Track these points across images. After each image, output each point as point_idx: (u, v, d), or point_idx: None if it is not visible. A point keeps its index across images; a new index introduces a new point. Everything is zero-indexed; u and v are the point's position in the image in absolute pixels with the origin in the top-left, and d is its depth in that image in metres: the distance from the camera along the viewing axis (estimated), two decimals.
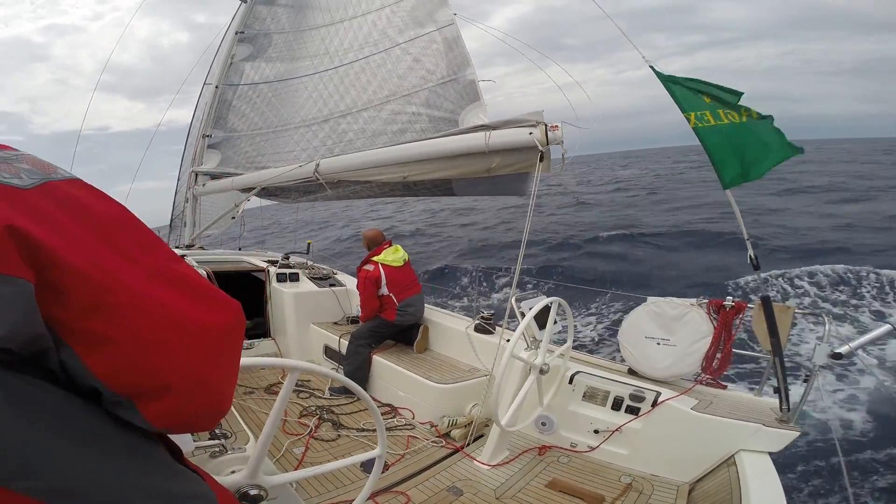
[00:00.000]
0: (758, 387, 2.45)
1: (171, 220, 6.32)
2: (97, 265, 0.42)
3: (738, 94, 2.11)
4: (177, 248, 5.39)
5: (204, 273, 3.55)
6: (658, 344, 2.42)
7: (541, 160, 2.25)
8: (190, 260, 3.78)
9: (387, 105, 3.38)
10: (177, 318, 0.45)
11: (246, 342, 3.79)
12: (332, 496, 2.11)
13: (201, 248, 5.10)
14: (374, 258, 3.21)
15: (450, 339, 3.31)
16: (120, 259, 0.44)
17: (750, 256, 2.10)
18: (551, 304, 2.31)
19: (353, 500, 1.29)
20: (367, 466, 2.27)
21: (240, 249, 5.67)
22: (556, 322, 2.47)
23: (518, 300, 2.49)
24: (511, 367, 2.53)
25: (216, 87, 5.23)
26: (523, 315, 2.39)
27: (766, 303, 2.06)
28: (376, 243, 3.29)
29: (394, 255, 3.25)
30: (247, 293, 4.11)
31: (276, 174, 3.72)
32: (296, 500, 1.37)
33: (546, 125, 2.28)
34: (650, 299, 2.53)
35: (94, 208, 0.46)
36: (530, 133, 2.29)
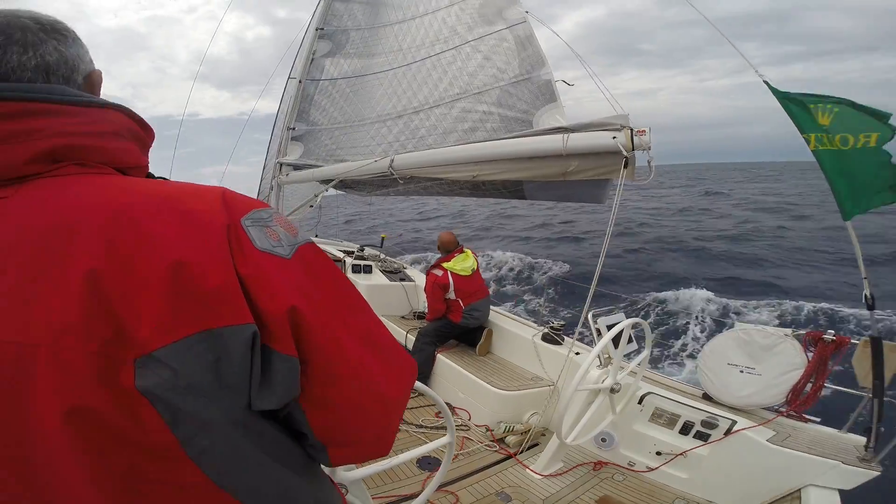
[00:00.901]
0: (844, 424, 2.27)
1: None
2: (331, 337, 0.47)
3: (886, 116, 1.82)
4: None
5: None
6: (741, 372, 2.31)
7: (625, 166, 2.18)
8: None
9: (458, 103, 3.49)
10: (378, 389, 0.52)
11: None
12: (387, 489, 2.16)
13: None
14: (444, 264, 3.33)
15: (514, 344, 3.32)
16: (341, 325, 0.49)
17: (865, 295, 1.97)
18: (631, 325, 2.24)
19: (421, 492, 1.37)
20: (422, 464, 2.36)
21: (316, 236, 6.18)
22: (632, 340, 2.40)
23: (595, 316, 2.44)
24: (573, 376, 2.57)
25: (299, 81, 5.65)
26: (599, 332, 2.36)
27: (877, 343, 1.91)
28: (448, 249, 3.41)
29: (463, 264, 3.34)
30: None
31: (354, 167, 4.00)
32: (365, 495, 1.44)
33: (632, 129, 2.21)
34: (738, 325, 2.42)
35: (324, 275, 0.51)
36: (614, 137, 2.21)
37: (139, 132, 0.55)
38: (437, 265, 3.37)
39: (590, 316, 2.41)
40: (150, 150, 0.57)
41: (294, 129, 5.38)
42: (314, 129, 5.26)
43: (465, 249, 3.44)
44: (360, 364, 0.49)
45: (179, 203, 0.43)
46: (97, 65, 0.57)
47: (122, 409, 0.38)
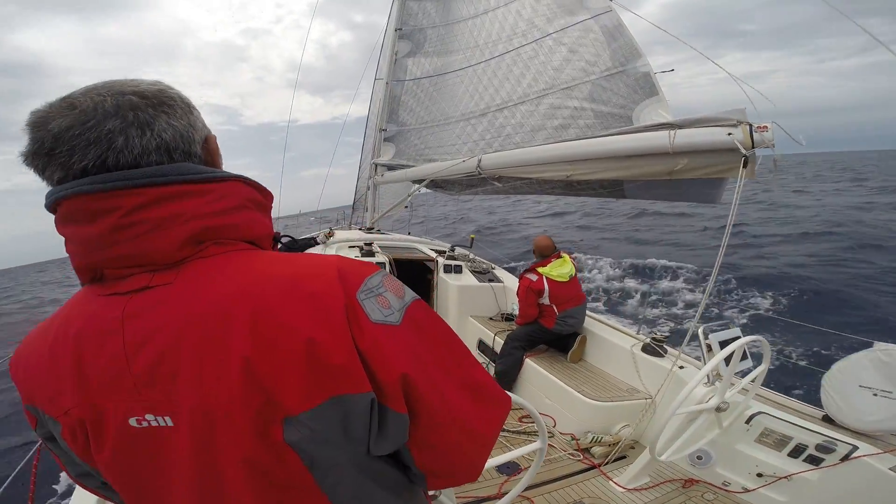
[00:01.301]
0: None
1: (354, 202, 7.63)
2: (436, 392, 0.53)
3: None
4: (360, 228, 6.56)
5: (386, 260, 4.16)
6: (875, 395, 2.07)
7: (744, 165, 2.02)
8: (375, 246, 4.54)
9: (544, 98, 3.49)
10: (473, 429, 0.58)
11: None
12: (466, 490, 2.17)
13: (379, 231, 6.10)
14: (540, 269, 3.26)
15: (609, 353, 3.20)
16: (444, 377, 0.55)
17: None
18: (748, 343, 2.08)
19: (509, 491, 1.41)
20: (501, 468, 2.37)
21: (409, 234, 6.59)
22: (746, 357, 2.22)
23: (706, 331, 2.28)
24: (677, 392, 2.36)
25: (386, 83, 5.97)
26: (710, 348, 2.21)
27: None
28: (544, 254, 3.33)
29: (560, 270, 3.25)
30: (416, 277, 4.76)
31: (443, 168, 4.21)
32: (452, 499, 1.42)
33: (751, 125, 2.03)
34: (878, 345, 2.15)
35: (431, 332, 0.56)
36: (729, 134, 2.06)
37: (259, 199, 0.59)
38: (532, 269, 3.33)
39: (700, 331, 2.26)
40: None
41: (385, 129, 5.75)
42: (403, 130, 5.58)
43: (563, 255, 3.37)
44: (459, 410, 0.55)
45: (305, 286, 0.49)
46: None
47: (274, 456, 0.49)
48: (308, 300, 0.48)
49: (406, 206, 5.70)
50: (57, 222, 0.51)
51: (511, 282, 4.47)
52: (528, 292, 3.25)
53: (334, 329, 0.47)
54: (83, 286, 0.56)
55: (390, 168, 5.54)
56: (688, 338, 2.31)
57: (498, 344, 3.54)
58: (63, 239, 0.52)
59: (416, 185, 4.98)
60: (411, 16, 6.14)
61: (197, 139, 0.56)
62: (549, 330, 3.29)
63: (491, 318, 4.15)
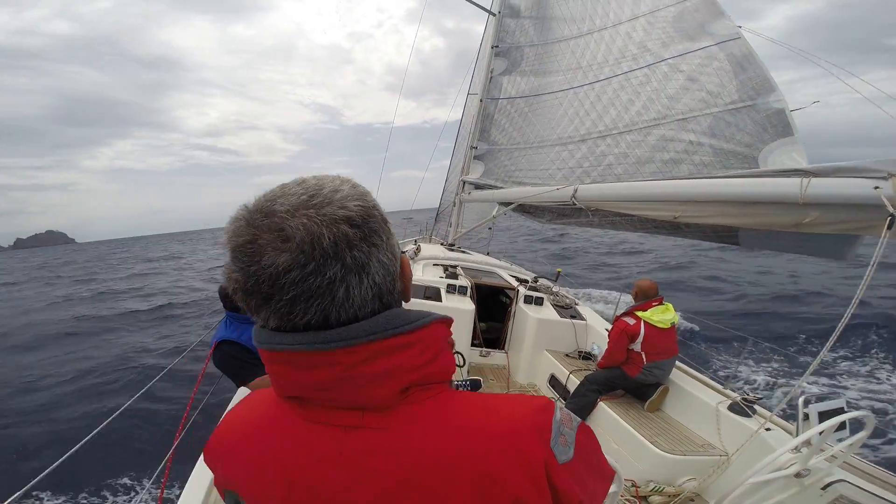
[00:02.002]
0: None
1: (437, 214, 7.81)
2: (597, 502, 0.57)
3: None
4: (441, 243, 6.67)
5: (469, 284, 4.18)
6: None
7: (889, 226, 1.76)
8: (459, 269, 4.55)
9: (655, 129, 3.26)
10: None
11: (484, 350, 4.36)
12: None
13: (461, 249, 6.15)
14: (639, 312, 3.11)
15: (690, 406, 3.06)
16: (599, 483, 0.59)
17: None
18: (853, 420, 1.92)
19: None
20: None
21: (488, 254, 6.57)
22: (844, 427, 2.03)
23: (807, 400, 2.13)
24: (756, 453, 2.30)
25: (480, 100, 6.01)
26: (807, 418, 2.06)
27: None
28: (646, 297, 3.18)
29: (661, 316, 3.08)
30: (495, 302, 4.71)
31: (534, 193, 4.10)
32: None
33: None
34: None
35: (589, 455, 0.57)
36: (876, 188, 1.80)
37: (450, 335, 0.58)
38: (630, 313, 3.17)
39: (801, 399, 2.11)
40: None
41: (476, 147, 5.79)
42: (494, 149, 5.57)
43: (665, 302, 3.18)
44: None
45: (514, 443, 0.50)
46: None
47: None
48: (518, 459, 0.49)
49: (490, 229, 5.67)
50: (266, 357, 0.52)
51: (594, 320, 4.30)
52: (622, 335, 3.10)
53: (539, 489, 0.49)
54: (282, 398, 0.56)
55: (478, 187, 5.56)
56: (784, 400, 2.21)
57: (572, 382, 3.44)
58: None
59: (503, 208, 4.93)
60: (508, 33, 6.11)
61: (395, 270, 0.55)
62: (631, 378, 3.15)
63: (567, 355, 4.04)
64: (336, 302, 0.48)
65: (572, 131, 4.25)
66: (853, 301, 1.81)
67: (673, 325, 3.13)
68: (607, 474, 0.63)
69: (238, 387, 2.38)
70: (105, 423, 2.01)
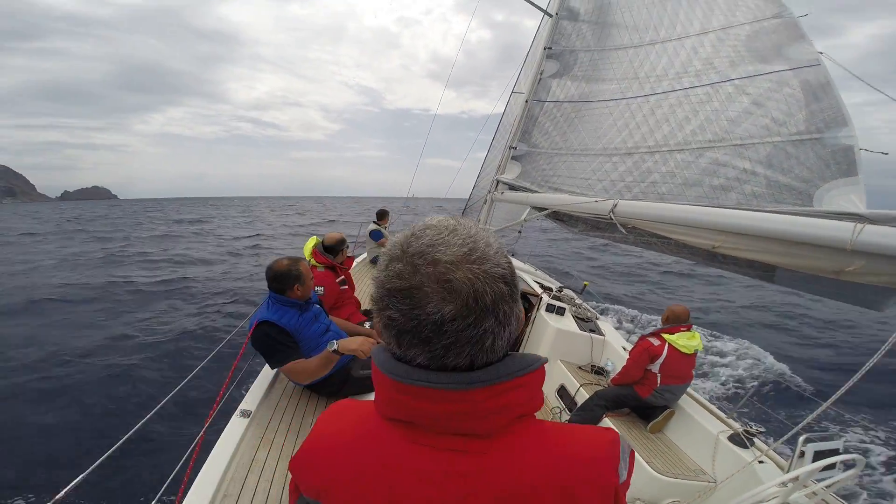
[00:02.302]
0: None
1: (465, 208, 7.74)
2: None
3: None
4: None
5: None
6: None
7: None
8: None
9: (708, 151, 3.10)
10: None
11: None
12: None
13: None
14: (665, 335, 3.13)
15: (692, 433, 3.09)
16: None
17: None
18: (847, 462, 1.99)
19: None
20: None
21: (513, 255, 6.50)
22: (834, 467, 2.08)
23: (807, 440, 2.18)
24: (745, 483, 2.37)
25: (526, 101, 5.89)
26: (802, 455, 2.13)
27: None
28: (676, 321, 3.19)
29: (687, 342, 3.10)
30: None
31: (571, 202, 3.99)
32: None
33: None
34: None
35: (631, 469, 0.64)
36: None
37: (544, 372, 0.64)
38: (656, 334, 3.19)
39: (802, 438, 2.15)
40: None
41: (515, 148, 5.69)
42: (533, 152, 5.46)
43: (693, 329, 3.19)
44: None
45: (595, 469, 0.57)
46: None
47: None
48: (597, 483, 0.57)
49: (520, 232, 5.59)
50: (393, 387, 0.56)
51: (613, 337, 4.28)
52: (644, 353, 3.13)
53: (600, 494, 0.57)
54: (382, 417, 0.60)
55: (512, 188, 5.46)
56: (782, 439, 2.24)
57: (581, 395, 3.45)
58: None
59: (536, 213, 4.83)
60: (563, 36, 5.96)
61: (522, 321, 0.61)
62: (641, 398, 3.17)
63: (580, 367, 4.02)
64: (483, 349, 0.54)
65: (619, 143, 4.10)
66: (877, 353, 1.73)
67: (695, 352, 3.15)
68: None
69: (272, 368, 2.42)
70: (150, 414, 2.04)
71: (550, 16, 6.26)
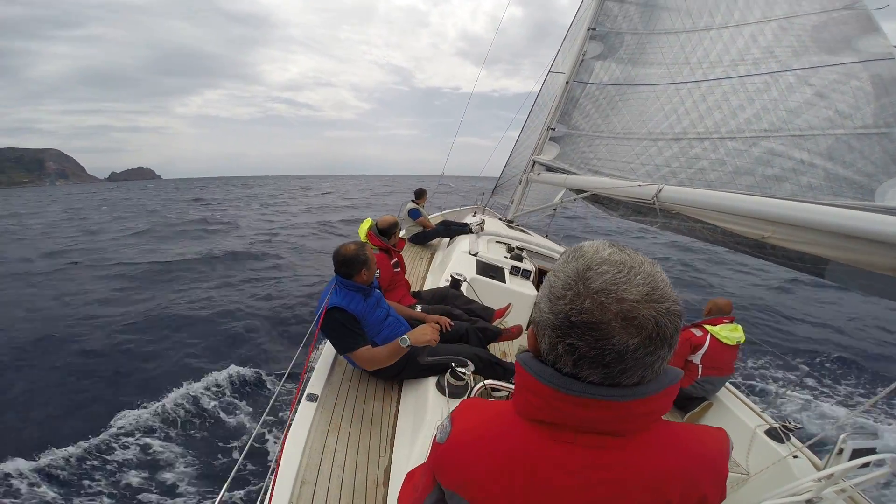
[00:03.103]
0: None
1: (496, 187, 7.76)
2: None
3: None
4: (500, 218, 6.65)
5: (534, 269, 4.24)
6: None
7: None
8: (524, 252, 4.52)
9: (762, 141, 3.10)
10: None
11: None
12: None
13: (520, 227, 6.11)
14: (707, 326, 3.12)
15: (727, 424, 3.06)
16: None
17: None
18: (882, 460, 1.95)
19: None
20: None
21: (546, 236, 6.53)
22: (868, 465, 2.07)
23: (847, 437, 2.16)
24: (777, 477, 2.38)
25: (567, 82, 5.83)
26: (841, 452, 2.10)
27: None
28: (718, 313, 3.18)
29: (730, 333, 3.09)
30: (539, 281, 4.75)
31: (612, 185, 4.01)
32: None
33: None
34: None
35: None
36: None
37: None
38: (699, 325, 3.18)
39: (842, 436, 2.14)
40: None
41: (554, 129, 5.66)
42: (573, 134, 5.44)
43: (735, 321, 3.18)
44: None
45: (715, 464, 0.68)
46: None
47: None
48: (715, 475, 0.67)
49: (555, 211, 5.60)
50: (556, 397, 0.62)
51: None
52: (685, 344, 3.12)
53: (721, 494, 0.68)
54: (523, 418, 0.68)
55: (549, 169, 5.47)
56: (821, 434, 2.33)
57: None
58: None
59: (573, 195, 4.85)
60: (609, 17, 5.82)
61: None
62: (680, 388, 3.17)
63: None
64: (653, 371, 0.61)
65: (666, 128, 4.07)
66: None
67: (738, 343, 3.12)
68: None
69: (340, 353, 2.46)
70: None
71: None
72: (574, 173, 4.86)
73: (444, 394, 2.17)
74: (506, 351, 3.55)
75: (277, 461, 1.79)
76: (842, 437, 2.18)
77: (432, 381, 2.33)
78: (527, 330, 2.73)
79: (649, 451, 0.63)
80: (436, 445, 0.76)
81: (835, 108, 2.75)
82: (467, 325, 2.94)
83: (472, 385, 1.69)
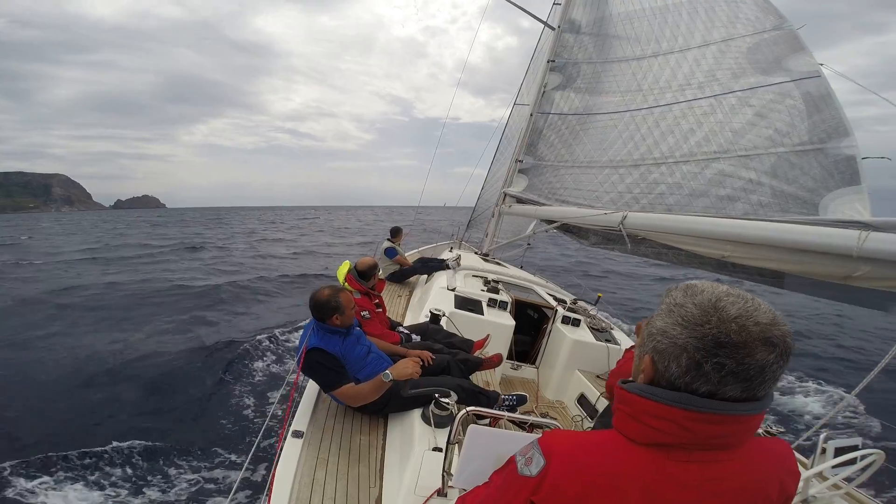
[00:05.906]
0: None
1: (470, 221, 7.81)
2: None
3: None
4: (476, 252, 6.65)
5: (510, 301, 4.23)
6: None
7: None
8: (501, 284, 4.53)
9: (714, 163, 3.14)
10: None
11: (514, 363, 4.40)
12: None
13: (496, 260, 6.12)
14: None
15: None
16: None
17: None
18: (865, 458, 1.96)
19: None
20: None
21: (521, 267, 6.52)
22: (857, 462, 2.07)
23: (827, 437, 2.16)
24: None
25: (531, 114, 5.97)
26: (823, 452, 2.10)
27: None
28: None
29: None
30: (530, 319, 4.73)
31: (580, 214, 4.05)
32: None
33: None
34: None
35: None
36: None
37: None
38: None
39: (822, 436, 2.16)
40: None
41: (522, 161, 5.76)
42: (540, 164, 5.52)
43: None
44: None
45: (793, 467, 0.79)
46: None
47: None
48: (794, 475, 0.79)
49: (529, 244, 5.62)
50: (693, 417, 0.67)
51: (628, 346, 4.27)
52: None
53: (796, 489, 0.80)
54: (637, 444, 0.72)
55: (520, 200, 5.52)
56: (803, 437, 2.37)
57: (601, 403, 3.50)
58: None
59: (544, 225, 4.88)
60: (566, 48, 6.04)
61: None
62: None
63: (598, 376, 4.05)
64: (776, 385, 0.71)
65: (625, 155, 4.15)
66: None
67: None
68: None
69: (325, 392, 2.50)
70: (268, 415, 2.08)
71: (553, 28, 6.35)
72: (543, 203, 4.91)
73: (429, 424, 2.19)
74: (488, 380, 3.57)
75: (268, 496, 1.78)
76: (821, 437, 2.20)
77: (417, 412, 2.35)
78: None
79: (751, 461, 0.72)
80: (526, 479, 0.75)
81: (774, 127, 2.82)
82: (448, 357, 2.97)
83: (457, 414, 1.72)
